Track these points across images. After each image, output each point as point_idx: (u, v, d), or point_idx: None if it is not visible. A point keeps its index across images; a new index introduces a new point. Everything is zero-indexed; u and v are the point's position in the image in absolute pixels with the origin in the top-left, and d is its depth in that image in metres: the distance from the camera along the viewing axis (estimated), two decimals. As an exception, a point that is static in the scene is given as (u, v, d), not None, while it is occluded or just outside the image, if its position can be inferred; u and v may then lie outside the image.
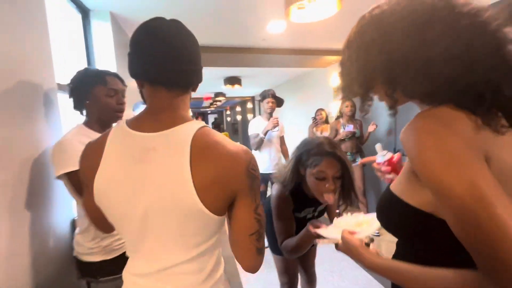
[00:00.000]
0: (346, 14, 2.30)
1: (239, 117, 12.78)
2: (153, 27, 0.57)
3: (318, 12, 1.76)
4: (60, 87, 1.27)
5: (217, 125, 11.82)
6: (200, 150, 0.54)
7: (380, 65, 0.49)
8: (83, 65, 2.00)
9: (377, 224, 0.68)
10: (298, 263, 1.53)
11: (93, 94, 1.04)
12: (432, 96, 0.47)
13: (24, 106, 1.00)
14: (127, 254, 0.65)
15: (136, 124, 0.59)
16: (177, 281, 0.60)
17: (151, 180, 0.54)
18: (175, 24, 0.59)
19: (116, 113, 1.09)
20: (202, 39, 2.95)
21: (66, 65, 1.65)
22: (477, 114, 0.44)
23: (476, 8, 0.44)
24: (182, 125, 0.57)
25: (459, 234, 0.42)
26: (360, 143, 3.11)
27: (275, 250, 1.36)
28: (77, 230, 1.09)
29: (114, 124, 1.22)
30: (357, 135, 3.04)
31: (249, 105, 10.14)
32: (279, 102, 2.70)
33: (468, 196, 0.39)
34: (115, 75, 1.11)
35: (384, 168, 0.77)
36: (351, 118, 3.09)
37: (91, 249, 1.02)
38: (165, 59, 0.56)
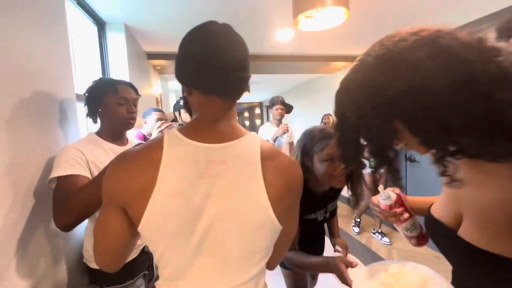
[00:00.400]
0: (353, 22, 2.33)
1: (247, 123, 12.85)
2: (207, 32, 0.53)
3: (325, 21, 1.79)
4: (79, 97, 1.33)
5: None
6: (269, 161, 0.54)
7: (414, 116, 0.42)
8: (98, 75, 2.07)
9: None
10: (306, 282, 1.46)
11: (104, 102, 1.05)
12: None
13: (43, 115, 1.04)
14: (165, 283, 0.56)
15: (194, 134, 0.54)
16: None
17: (220, 194, 0.51)
18: (228, 30, 0.56)
19: (126, 121, 1.08)
20: (212, 47, 3.02)
21: (84, 75, 1.72)
22: None
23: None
24: (245, 136, 0.55)
25: None
26: None
27: (284, 264, 1.30)
28: (86, 237, 1.10)
29: (158, 133, 1.21)
30: None
31: (257, 111, 10.19)
32: (288, 108, 2.72)
33: None
34: (128, 84, 1.12)
35: (398, 210, 0.69)
36: None
37: None
38: (219, 68, 0.52)
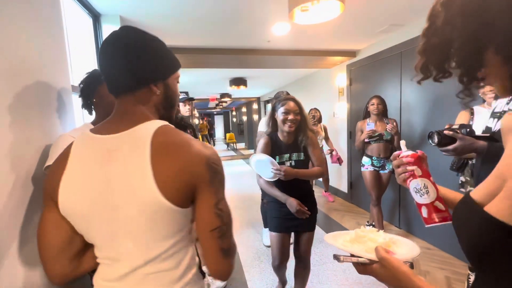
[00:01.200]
0: (349, 16, 2.33)
1: (244, 118, 12.84)
2: (108, 39, 0.62)
3: (321, 14, 1.80)
4: (74, 88, 1.34)
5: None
6: (161, 145, 0.57)
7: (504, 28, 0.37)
8: (93, 67, 2.07)
9: (417, 249, 0.60)
10: (289, 245, 1.73)
11: (98, 92, 1.07)
12: None
13: (39, 106, 1.05)
14: (98, 261, 0.64)
15: (99, 129, 0.63)
16: (152, 280, 0.60)
17: (117, 180, 0.57)
18: (117, 34, 0.62)
19: None
20: (208, 41, 3.01)
21: (79, 67, 1.72)
22: None
23: None
24: (142, 124, 0.60)
25: None
26: (393, 146, 2.66)
27: (270, 227, 1.70)
28: None
29: None
30: (386, 138, 2.60)
31: (255, 106, 10.18)
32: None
33: None
34: None
35: (406, 159, 0.66)
36: (379, 117, 2.66)
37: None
38: (107, 71, 0.62)
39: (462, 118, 1.87)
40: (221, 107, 12.43)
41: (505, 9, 0.37)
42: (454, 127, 1.07)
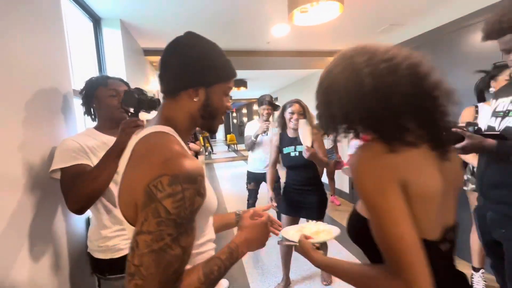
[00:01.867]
0: (348, 16, 2.33)
1: (245, 119, 12.85)
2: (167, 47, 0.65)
3: (320, 15, 1.80)
4: (76, 92, 1.34)
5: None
6: (134, 155, 0.56)
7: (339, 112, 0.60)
8: (94, 70, 2.08)
9: (333, 235, 0.83)
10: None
11: (97, 96, 1.11)
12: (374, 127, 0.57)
13: (41, 109, 1.06)
14: None
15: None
16: None
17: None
18: (177, 37, 0.65)
19: (119, 110, 1.10)
20: (208, 43, 3.01)
21: (80, 71, 1.73)
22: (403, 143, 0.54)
23: (391, 53, 0.56)
24: (146, 129, 0.60)
25: (377, 241, 0.54)
26: None
27: (281, 209, 2.04)
28: (90, 227, 1.14)
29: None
30: None
31: (255, 107, 10.20)
32: (275, 108, 2.80)
33: (385, 218, 0.52)
34: (119, 79, 1.17)
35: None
36: None
37: (100, 247, 1.07)
38: (160, 74, 0.65)
39: (467, 114, 1.81)
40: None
41: (338, 102, 0.60)
42: (460, 125, 1.04)
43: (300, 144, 1.87)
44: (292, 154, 1.95)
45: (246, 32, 2.69)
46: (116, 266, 1.06)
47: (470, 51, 2.18)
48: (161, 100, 0.70)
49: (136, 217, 0.51)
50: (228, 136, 13.77)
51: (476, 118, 1.80)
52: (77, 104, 1.34)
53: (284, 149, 1.98)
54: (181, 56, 0.61)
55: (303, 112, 1.92)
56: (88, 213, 1.36)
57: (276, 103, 2.84)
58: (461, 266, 2.26)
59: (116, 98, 1.12)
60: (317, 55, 3.56)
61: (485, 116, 1.68)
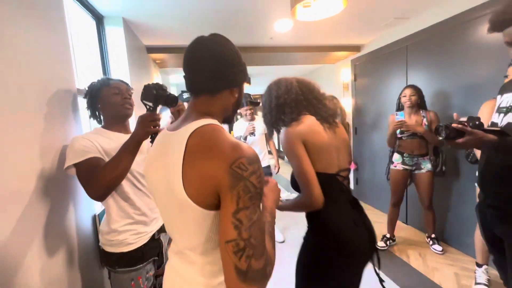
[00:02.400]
0: (352, 10, 2.30)
1: (249, 115, 12.82)
2: (191, 45, 0.68)
3: (324, 9, 1.77)
4: (80, 91, 1.36)
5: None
6: (192, 148, 0.59)
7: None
8: (98, 69, 2.09)
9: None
10: None
11: (102, 97, 1.15)
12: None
13: (47, 108, 1.08)
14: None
15: (172, 125, 0.74)
16: (193, 267, 0.65)
17: (165, 173, 0.63)
18: (205, 39, 0.68)
19: (122, 106, 1.16)
20: (211, 40, 3.00)
21: (84, 70, 1.74)
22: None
23: (289, 81, 1.13)
24: (189, 124, 0.64)
25: (295, 176, 1.00)
26: (433, 142, 2.27)
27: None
28: (102, 221, 1.19)
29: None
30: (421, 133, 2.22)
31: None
32: (256, 105, 2.82)
33: (297, 165, 0.97)
34: (119, 80, 1.22)
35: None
36: (414, 109, 2.33)
37: (111, 241, 1.10)
38: (188, 73, 0.68)
39: (486, 110, 1.65)
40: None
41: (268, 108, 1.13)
42: (462, 119, 1.04)
43: None
44: None
45: (249, 28, 2.67)
46: (125, 259, 1.11)
47: (477, 44, 2.13)
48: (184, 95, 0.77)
49: (214, 200, 0.58)
50: (232, 132, 13.77)
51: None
52: (82, 103, 1.35)
53: None
54: (222, 60, 0.66)
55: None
56: (94, 210, 1.40)
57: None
58: (467, 262, 2.25)
59: (119, 95, 1.16)
60: (321, 50, 3.52)
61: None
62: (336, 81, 4.29)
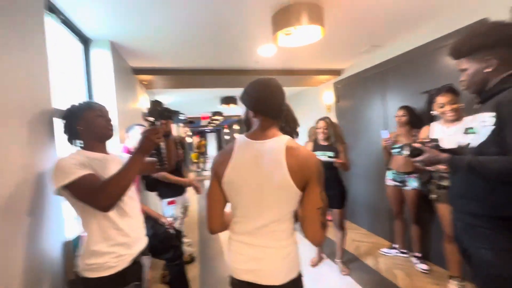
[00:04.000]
0: (331, 38, 2.45)
1: (237, 135, 12.88)
2: (265, 83, 0.96)
3: (304, 37, 1.89)
4: (58, 111, 1.32)
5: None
6: (291, 149, 0.91)
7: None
8: (84, 91, 2.09)
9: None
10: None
11: (84, 118, 1.15)
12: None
13: (18, 126, 1.05)
14: (234, 219, 1.00)
15: (251, 136, 0.98)
16: (270, 234, 0.93)
17: (264, 168, 0.91)
18: (274, 81, 0.97)
19: (106, 128, 1.19)
20: (199, 62, 3.09)
21: (68, 91, 1.74)
22: None
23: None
24: (278, 136, 0.95)
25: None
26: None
27: (336, 205, 2.48)
28: (81, 247, 1.12)
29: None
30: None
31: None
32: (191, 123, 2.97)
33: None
34: (97, 103, 1.23)
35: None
36: (406, 129, 2.49)
37: (90, 265, 1.05)
38: (272, 104, 0.96)
39: (424, 131, 2.14)
40: (213, 125, 12.48)
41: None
42: (425, 140, 1.23)
43: (329, 150, 2.46)
44: (322, 157, 2.38)
45: (234, 52, 2.78)
46: (105, 284, 1.06)
47: (447, 70, 2.31)
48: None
49: (304, 185, 0.90)
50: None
51: (428, 136, 2.02)
52: (58, 124, 1.32)
53: (316, 153, 2.34)
54: (283, 94, 0.98)
55: (327, 127, 2.48)
56: (64, 237, 1.32)
57: None
58: (439, 274, 2.27)
59: (103, 118, 1.18)
60: (304, 73, 3.68)
61: (435, 133, 1.99)
62: (320, 103, 4.44)
